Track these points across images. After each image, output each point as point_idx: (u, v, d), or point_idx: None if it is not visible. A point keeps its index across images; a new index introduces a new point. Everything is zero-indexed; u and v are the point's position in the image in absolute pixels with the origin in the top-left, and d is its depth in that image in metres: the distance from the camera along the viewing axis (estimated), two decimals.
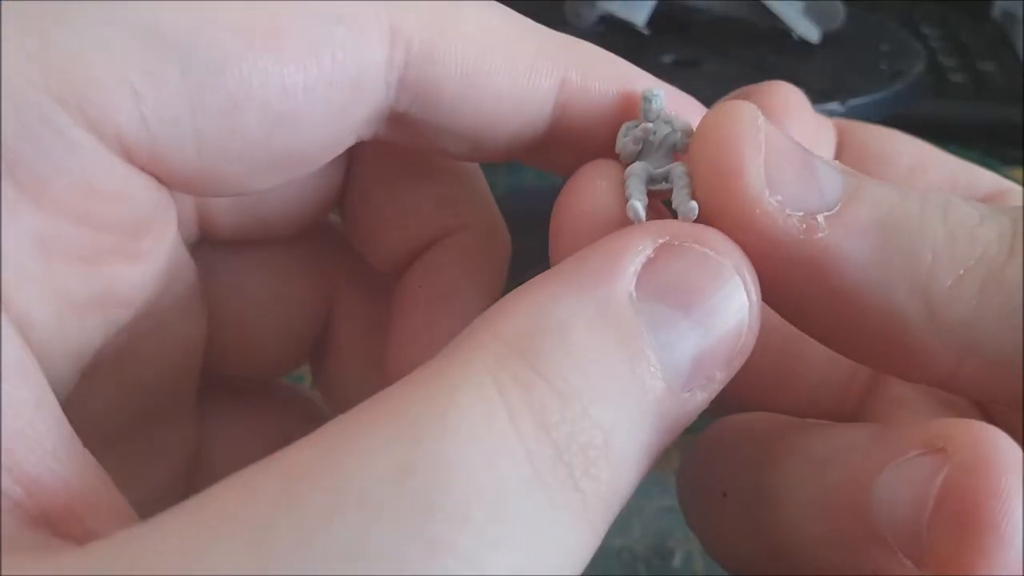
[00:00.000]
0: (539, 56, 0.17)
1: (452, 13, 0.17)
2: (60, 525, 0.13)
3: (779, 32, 0.46)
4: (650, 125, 0.17)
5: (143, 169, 0.15)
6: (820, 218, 0.15)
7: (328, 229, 0.23)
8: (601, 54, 0.18)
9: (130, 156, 0.15)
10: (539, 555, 0.12)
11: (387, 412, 0.13)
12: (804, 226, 0.15)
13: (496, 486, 0.12)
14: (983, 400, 0.19)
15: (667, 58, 0.45)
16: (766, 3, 0.46)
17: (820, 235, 0.15)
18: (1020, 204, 0.21)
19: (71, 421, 0.16)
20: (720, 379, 0.15)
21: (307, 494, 0.12)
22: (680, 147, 0.17)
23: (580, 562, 0.13)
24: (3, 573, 0.12)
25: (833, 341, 0.17)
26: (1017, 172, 0.56)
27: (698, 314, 0.15)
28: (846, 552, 0.16)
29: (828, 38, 0.47)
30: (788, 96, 0.21)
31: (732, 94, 0.22)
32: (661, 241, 0.15)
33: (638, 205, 0.16)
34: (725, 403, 0.22)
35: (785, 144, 0.16)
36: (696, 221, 0.16)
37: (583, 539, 0.13)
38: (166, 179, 0.15)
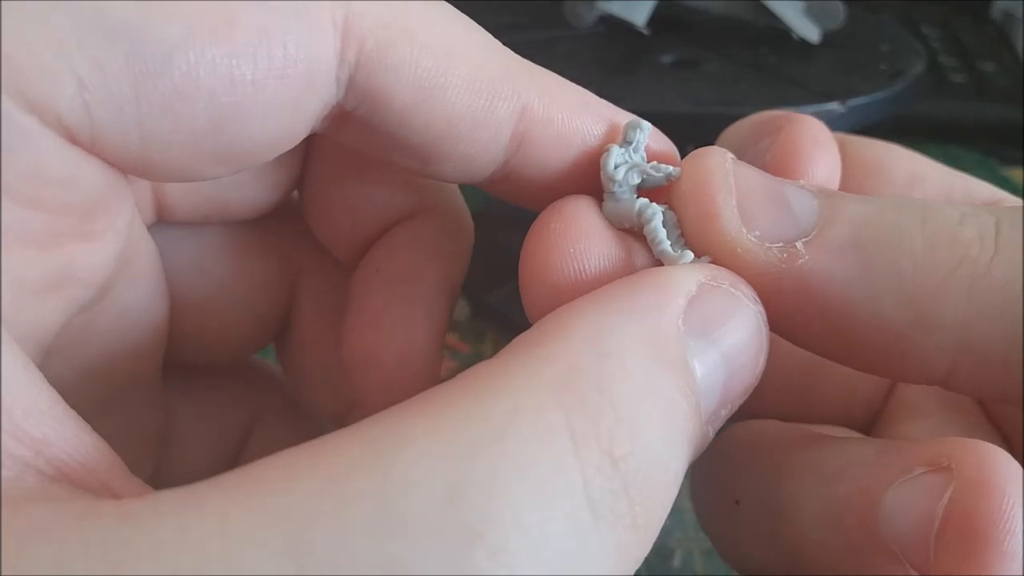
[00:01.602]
0: (501, 79, 0.17)
1: (414, 18, 0.16)
2: (78, 480, 0.13)
3: (779, 32, 0.46)
4: (653, 166, 0.17)
5: (89, 152, 0.15)
6: (799, 245, 0.16)
7: (291, 209, 0.23)
8: (566, 85, 0.18)
9: (73, 140, 0.14)
10: None
11: (442, 422, 0.12)
12: (785, 255, 0.16)
13: (544, 520, 0.12)
14: (980, 397, 0.19)
15: (667, 58, 0.45)
16: (766, 3, 0.46)
17: (801, 261, 0.16)
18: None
19: None
20: (724, 416, 0.16)
21: (354, 502, 0.11)
22: (650, 184, 0.17)
23: None
24: (47, 525, 0.11)
25: (830, 353, 0.17)
26: (1017, 172, 0.56)
27: (730, 352, 0.15)
28: (855, 561, 0.17)
29: (828, 38, 0.47)
30: (812, 132, 0.21)
31: (754, 120, 0.22)
32: (702, 280, 0.15)
33: (689, 253, 0.16)
34: (751, 413, 0.23)
35: (755, 181, 0.17)
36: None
37: (625, 571, 0.13)
38: (111, 163, 0.15)
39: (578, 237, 0.17)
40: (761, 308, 0.16)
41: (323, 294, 0.23)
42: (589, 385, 0.13)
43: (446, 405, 0.13)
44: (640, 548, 0.13)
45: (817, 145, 0.21)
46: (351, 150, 0.20)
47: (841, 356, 0.17)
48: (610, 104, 0.18)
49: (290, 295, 0.23)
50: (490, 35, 0.17)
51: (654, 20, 0.46)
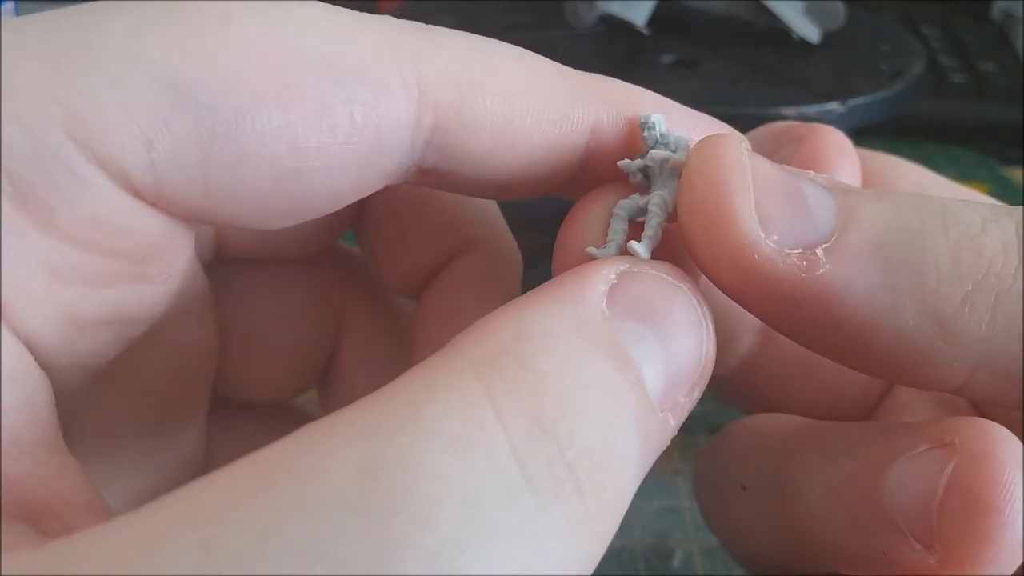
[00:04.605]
0: (570, 104, 0.17)
1: (480, 68, 0.16)
2: (42, 521, 0.13)
3: (779, 32, 0.46)
4: (645, 159, 0.17)
5: (152, 205, 0.15)
6: (819, 252, 0.15)
7: (338, 253, 0.23)
8: (630, 91, 0.18)
9: (137, 194, 0.15)
10: (522, 565, 0.12)
11: (359, 412, 0.13)
12: (804, 263, 0.15)
13: (471, 487, 0.12)
14: (992, 403, 0.19)
15: (667, 58, 0.45)
16: (766, 3, 0.46)
17: (822, 270, 0.15)
18: None
19: (85, 424, 0.16)
20: (684, 405, 0.15)
21: (262, 493, 0.11)
22: (680, 170, 0.17)
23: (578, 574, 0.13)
24: None
25: (844, 360, 0.17)
26: (1017, 172, 0.56)
27: (664, 331, 0.15)
28: (859, 537, 0.17)
29: (828, 38, 0.47)
30: (835, 140, 0.21)
31: (773, 129, 0.22)
32: (622, 268, 0.15)
33: (593, 251, 0.16)
34: (750, 405, 0.23)
35: (773, 177, 0.16)
36: (696, 268, 0.16)
37: (583, 550, 0.13)
38: (174, 214, 0.16)
39: (592, 225, 0.17)
40: (691, 286, 0.16)
41: (366, 338, 0.23)
42: (510, 359, 0.13)
43: (366, 400, 0.13)
44: (597, 522, 0.13)
45: (840, 153, 0.20)
46: (407, 189, 0.20)
47: (855, 363, 0.17)
48: (678, 105, 0.18)
49: (334, 338, 0.23)
50: (548, 60, 0.18)
51: (654, 20, 0.46)
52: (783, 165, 0.16)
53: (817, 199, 0.16)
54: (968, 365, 0.15)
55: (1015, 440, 0.16)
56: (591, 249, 0.16)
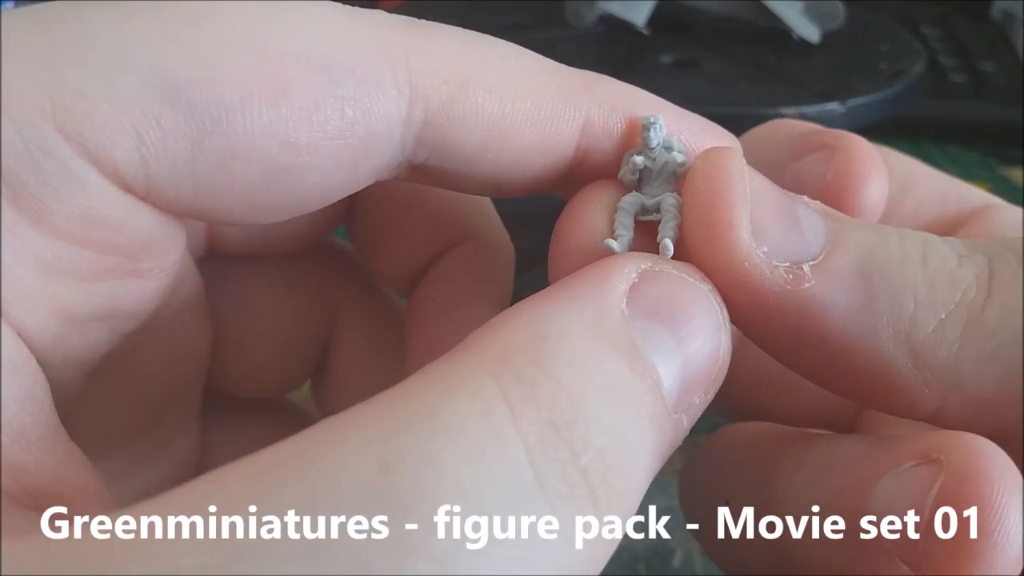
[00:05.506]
0: (561, 102, 0.17)
1: (472, 65, 0.16)
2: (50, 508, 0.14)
3: (779, 32, 0.46)
4: (644, 159, 0.17)
5: (143, 200, 0.15)
6: (806, 267, 0.16)
7: (331, 248, 0.23)
8: (624, 90, 0.18)
9: (128, 189, 0.15)
10: (530, 566, 0.12)
11: (375, 411, 0.13)
12: (791, 276, 0.16)
13: (484, 489, 0.12)
14: (966, 431, 0.19)
15: (667, 58, 0.45)
16: (766, 3, 0.46)
17: (806, 285, 0.16)
18: (1007, 218, 0.21)
19: (80, 421, 0.16)
20: (698, 405, 0.15)
21: (276, 490, 0.11)
22: (680, 174, 0.17)
23: None
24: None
25: (820, 380, 0.17)
26: (1017, 172, 0.56)
27: (682, 332, 0.15)
28: (845, 556, 0.16)
29: (828, 38, 0.47)
30: (867, 152, 0.21)
31: (787, 133, 0.22)
32: (644, 267, 0.15)
33: (612, 244, 0.16)
34: (732, 410, 0.22)
35: (770, 194, 0.16)
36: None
37: (592, 552, 0.13)
38: (165, 209, 0.16)
39: (586, 223, 0.17)
40: (711, 287, 0.16)
41: (361, 333, 0.23)
42: (526, 361, 0.13)
43: (381, 398, 0.13)
44: (607, 527, 0.13)
45: (874, 167, 0.20)
46: (398, 184, 0.20)
47: (832, 384, 0.17)
48: (671, 105, 0.18)
49: (328, 333, 0.23)
50: (542, 57, 0.18)
51: (654, 20, 0.46)
52: (778, 187, 0.17)
53: (809, 219, 0.16)
54: (938, 391, 0.16)
55: (1004, 456, 0.15)
56: (609, 241, 0.16)
